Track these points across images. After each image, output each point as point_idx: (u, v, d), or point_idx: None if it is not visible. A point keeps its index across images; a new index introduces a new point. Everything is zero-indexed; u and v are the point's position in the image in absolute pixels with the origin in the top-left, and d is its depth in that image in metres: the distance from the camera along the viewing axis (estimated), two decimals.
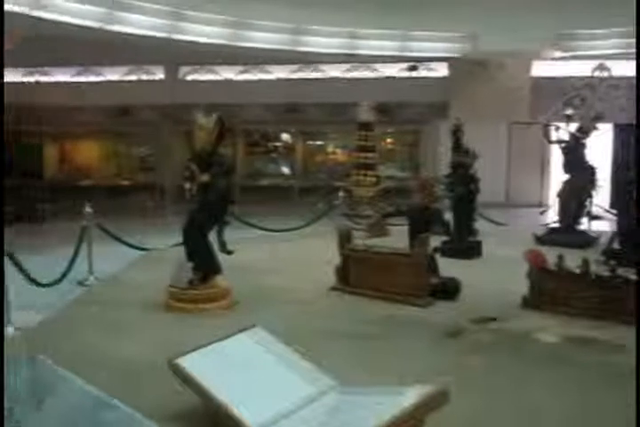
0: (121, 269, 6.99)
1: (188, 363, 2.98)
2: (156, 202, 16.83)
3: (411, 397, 2.78)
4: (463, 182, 8.03)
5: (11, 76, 16.10)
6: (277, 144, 18.25)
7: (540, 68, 15.09)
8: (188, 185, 4.80)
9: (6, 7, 10.94)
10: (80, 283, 6.98)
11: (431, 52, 14.83)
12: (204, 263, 4.83)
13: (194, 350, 3.11)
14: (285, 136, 18.25)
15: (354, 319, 4.85)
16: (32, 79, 18.21)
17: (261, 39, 13.44)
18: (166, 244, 8.45)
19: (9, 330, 5.26)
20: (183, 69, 17.79)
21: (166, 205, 16.78)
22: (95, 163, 18.49)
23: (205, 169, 4.65)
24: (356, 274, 5.52)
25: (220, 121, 4.74)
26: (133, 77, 18.03)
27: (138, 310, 4.90)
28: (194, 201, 4.78)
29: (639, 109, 7.53)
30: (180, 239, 8.08)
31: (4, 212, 9.12)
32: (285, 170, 17.95)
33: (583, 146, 8.93)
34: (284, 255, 7.58)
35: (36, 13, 11.07)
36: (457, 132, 8.62)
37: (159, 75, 17.96)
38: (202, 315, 4.69)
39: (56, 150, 18.67)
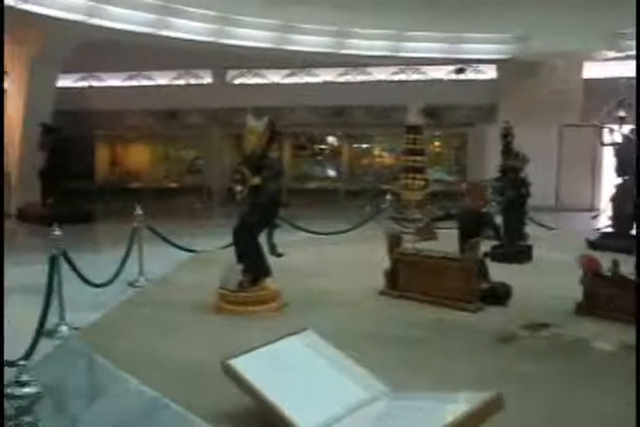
0: (171, 270, 7.09)
1: (241, 364, 3.00)
2: (203, 204, 17.06)
3: (464, 403, 2.74)
4: (513, 186, 7.92)
5: (65, 82, 16.53)
6: (323, 147, 18.31)
7: (593, 69, 14.78)
8: (238, 188, 4.84)
9: (64, 15, 11.33)
10: (131, 284, 7.12)
11: (480, 54, 14.67)
12: (254, 266, 4.86)
13: (246, 351, 3.13)
14: (331, 139, 18.28)
15: (403, 323, 4.82)
16: (85, 84, 18.65)
17: (308, 42, 13.50)
18: (214, 246, 8.55)
19: (63, 329, 5.40)
20: (231, 73, 17.98)
21: (213, 208, 17.00)
22: (145, 166, 18.84)
23: (256, 172, 4.68)
24: (406, 278, 5.49)
25: (271, 124, 4.77)
26: (182, 82, 18.31)
27: (188, 311, 4.96)
28: (244, 204, 4.82)
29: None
30: (229, 241, 8.20)
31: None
32: (331, 173, 17.98)
33: (637, 148, 8.69)
34: (332, 258, 7.58)
35: (92, 21, 11.34)
36: (507, 136, 8.49)
37: (207, 79, 18.20)
38: (251, 317, 4.71)
39: (107, 153, 19.09)
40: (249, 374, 2.94)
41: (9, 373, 3.96)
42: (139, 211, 7.44)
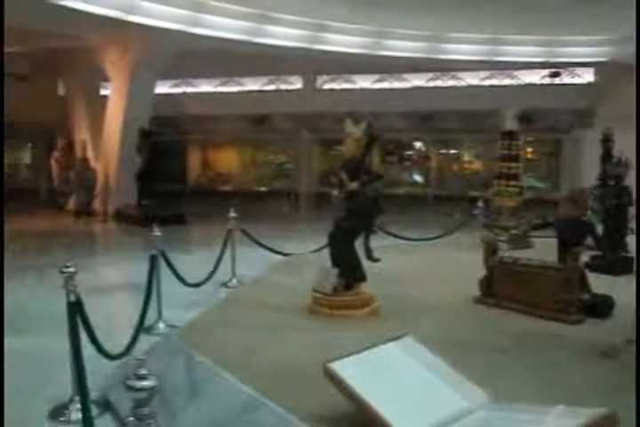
0: (263, 272, 7.20)
1: (341, 367, 3.01)
2: (291, 208, 17.28)
3: (572, 418, 2.64)
4: (614, 194, 7.60)
5: (160, 88, 17.13)
6: (411, 153, 18.19)
7: None
8: (335, 192, 4.87)
9: (167, 25, 11.77)
10: (224, 284, 7.31)
11: (577, 57, 14.20)
12: (349, 270, 4.87)
13: (346, 355, 3.13)
14: (419, 144, 18.14)
15: (499, 332, 4.70)
16: (179, 90, 19.27)
17: (400, 47, 13.46)
18: (305, 249, 8.66)
19: (160, 326, 5.58)
20: (321, 79, 18.13)
21: (301, 212, 17.20)
22: (235, 169, 19.26)
23: (354, 177, 4.69)
24: (502, 286, 5.36)
25: (370, 129, 4.77)
26: (272, 87, 18.61)
27: (283, 312, 5.02)
28: (341, 208, 4.84)
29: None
30: (318, 245, 8.28)
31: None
32: (418, 178, 17.84)
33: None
34: (424, 265, 7.50)
35: (192, 30, 11.71)
36: (607, 142, 8.18)
37: (297, 84, 18.42)
38: (345, 321, 4.72)
39: (199, 157, 19.66)
40: (349, 378, 2.94)
41: (107, 366, 4.16)
42: (233, 214, 7.60)
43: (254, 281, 6.81)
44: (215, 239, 10.85)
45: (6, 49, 16.26)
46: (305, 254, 8.23)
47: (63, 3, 10.25)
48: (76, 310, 3.73)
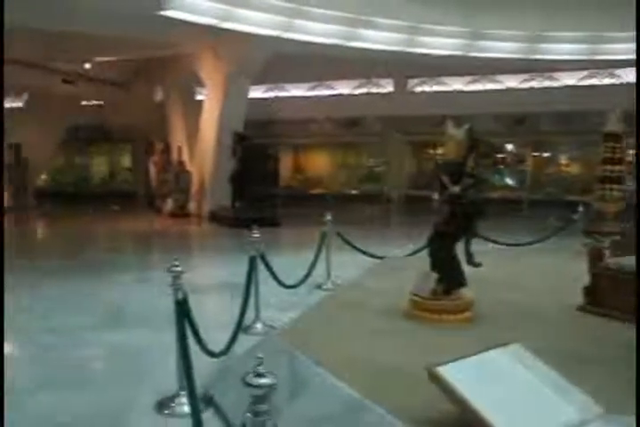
0: (359, 275, 7.22)
1: (448, 372, 2.97)
2: (382, 211, 17.26)
3: None
4: None
5: (253, 93, 17.51)
6: (503, 155, 17.80)
7: None
8: (436, 196, 4.82)
9: (261, 31, 12.02)
10: (318, 286, 7.38)
11: None
12: (448, 275, 4.81)
13: (452, 359, 3.10)
14: (511, 147, 17.72)
15: (606, 343, 4.51)
16: (272, 95, 19.63)
17: (495, 48, 13.17)
18: (399, 253, 8.63)
19: (258, 326, 5.69)
20: (412, 81, 18.04)
21: (392, 215, 17.15)
22: (326, 172, 19.43)
23: (456, 180, 4.64)
24: (608, 295, 5.14)
25: (471, 132, 4.70)
26: (363, 90, 18.66)
27: (380, 315, 5.01)
28: (441, 212, 4.79)
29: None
30: (413, 249, 8.23)
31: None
32: (510, 182, 17.42)
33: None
34: (524, 270, 7.31)
35: (286, 35, 11.89)
36: None
37: (388, 87, 18.39)
38: (444, 326, 4.66)
39: (290, 160, 19.96)
40: (456, 382, 2.91)
41: (206, 362, 4.28)
42: (328, 216, 7.66)
43: (350, 284, 6.83)
44: (308, 242, 11.00)
45: (107, 58, 17.14)
46: (399, 258, 8.20)
47: (164, 13, 10.64)
48: (183, 307, 3.86)
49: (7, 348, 5.54)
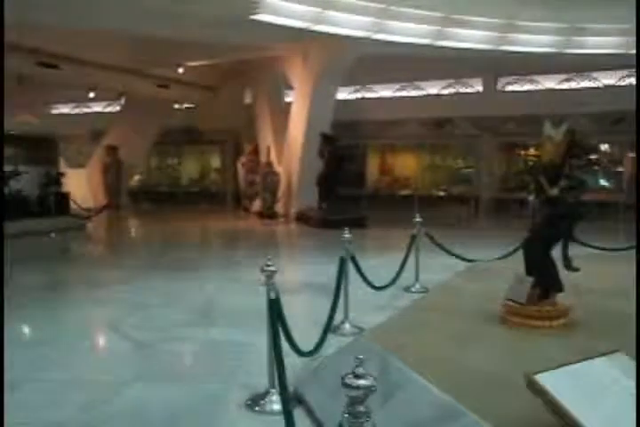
0: (448, 278, 7.11)
1: (547, 380, 2.87)
2: (470, 213, 16.95)
3: None
4: None
5: (341, 94, 17.58)
6: (597, 156, 17.11)
7: None
8: (531, 198, 4.69)
9: (350, 33, 12.06)
10: (406, 289, 7.32)
11: None
12: (545, 279, 4.65)
13: (552, 367, 2.99)
14: (606, 147, 17.02)
15: None
16: (359, 96, 19.65)
17: (592, 44, 12.68)
18: (488, 256, 8.44)
19: (346, 326, 5.69)
20: (502, 80, 17.63)
21: (482, 217, 16.82)
22: (412, 174, 19.26)
23: (554, 182, 4.49)
24: None
25: (570, 133, 4.54)
26: (451, 90, 18.39)
27: (472, 320, 4.91)
28: (537, 215, 4.64)
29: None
30: (503, 252, 8.04)
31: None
32: (605, 183, 16.73)
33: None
34: (623, 276, 6.98)
35: (375, 37, 11.89)
36: None
37: (477, 87, 18.05)
38: (540, 332, 4.51)
39: (377, 162, 19.91)
40: (557, 391, 2.81)
41: (294, 361, 4.31)
42: (417, 218, 7.59)
43: (440, 287, 6.74)
44: (395, 243, 10.92)
45: (199, 62, 17.63)
46: (490, 261, 8.03)
47: (256, 17, 10.85)
48: (275, 306, 3.91)
49: (102, 342, 5.79)
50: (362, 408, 2.03)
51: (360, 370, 2.02)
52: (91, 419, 3.71)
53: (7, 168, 14.26)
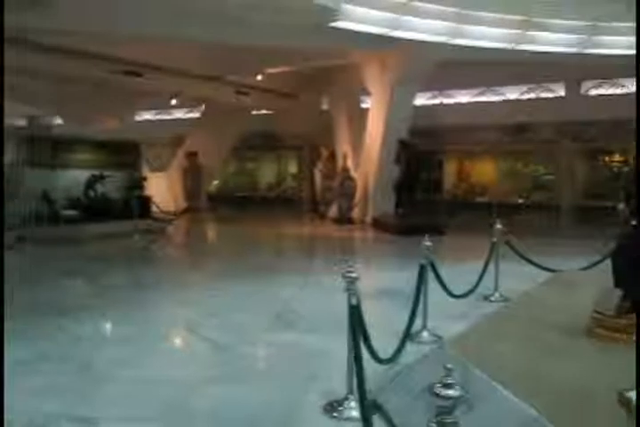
0: (530, 288, 6.94)
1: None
2: (551, 222, 16.48)
3: None
4: None
5: (418, 100, 17.46)
6: None
7: None
8: (621, 206, 4.52)
9: (429, 38, 11.98)
10: (486, 298, 7.16)
11: None
12: (634, 292, 4.48)
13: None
14: None
15: None
16: (436, 101, 19.46)
17: None
18: (571, 266, 8.19)
19: (424, 335, 5.61)
20: (586, 84, 17.09)
21: (563, 226, 16.31)
22: (491, 180, 18.90)
23: None
24: None
25: None
26: (532, 95, 17.97)
27: (557, 331, 4.77)
28: (627, 224, 4.47)
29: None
30: (587, 262, 7.78)
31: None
32: None
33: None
34: None
35: (454, 42, 11.76)
36: None
37: (559, 91, 17.56)
38: (627, 346, 4.34)
39: (454, 168, 19.64)
40: None
41: (376, 370, 4.28)
42: (498, 226, 7.43)
43: (520, 297, 6.59)
44: (473, 251, 10.73)
45: (278, 69, 17.89)
46: (574, 271, 7.78)
47: (335, 24, 10.91)
48: (356, 312, 3.90)
49: (182, 343, 5.92)
50: (450, 419, 2.01)
51: (449, 380, 2.00)
52: (174, 417, 3.80)
53: (93, 172, 14.86)
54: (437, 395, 1.98)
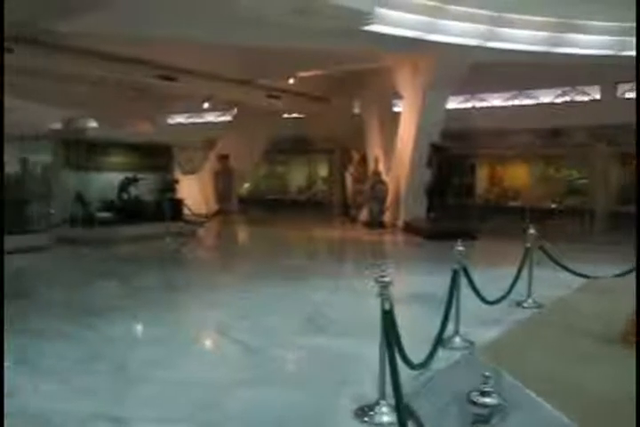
0: (564, 294, 6.83)
1: None
2: (585, 227, 16.23)
3: None
4: None
5: (450, 104, 17.34)
6: None
7: None
8: None
9: (463, 41, 11.90)
10: (518, 304, 7.08)
11: None
12: None
13: None
14: None
15: None
16: (468, 105, 19.31)
17: None
18: (606, 272, 8.06)
19: (457, 340, 5.56)
20: (622, 87, 16.81)
21: (597, 232, 16.04)
22: (524, 185, 18.69)
23: None
24: None
25: None
26: (566, 98, 17.73)
27: (592, 339, 4.68)
28: None
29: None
30: (620, 269, 7.64)
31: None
32: None
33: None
34: None
35: (488, 45, 11.66)
36: None
37: (595, 94, 17.30)
38: None
39: (486, 172, 19.45)
40: None
41: (407, 375, 4.25)
42: (532, 231, 7.34)
43: (554, 303, 6.48)
44: (505, 256, 10.62)
45: (309, 73, 17.93)
46: (608, 278, 7.65)
47: (368, 28, 10.90)
48: (389, 317, 3.88)
49: (213, 344, 5.95)
50: None
51: (486, 387, 1.97)
52: (205, 419, 3.82)
53: (127, 174, 15.04)
54: (474, 403, 1.95)
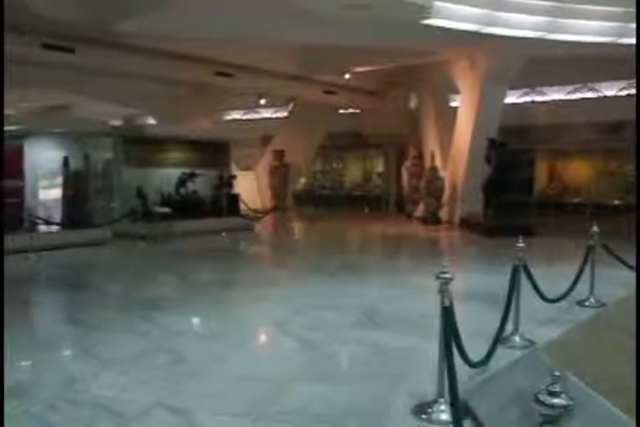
0: (628, 293, 6.60)
1: None
2: None
3: None
4: None
5: (508, 98, 17.01)
6: None
7: None
8: None
9: (523, 34, 11.63)
10: (579, 303, 6.90)
11: None
12: None
13: None
14: None
15: None
16: (527, 99, 18.92)
17: None
18: None
19: (516, 339, 5.45)
20: None
21: None
22: (584, 181, 18.22)
23: None
24: None
25: None
26: (631, 91, 17.19)
27: None
28: None
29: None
30: None
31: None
32: None
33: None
34: None
35: (550, 37, 11.38)
36: None
37: None
38: None
39: (545, 168, 19.05)
40: None
41: (466, 373, 4.18)
42: (595, 228, 7.14)
43: (617, 302, 6.28)
44: (565, 253, 10.38)
45: (365, 68, 17.84)
46: None
47: (427, 22, 10.77)
48: (449, 314, 3.84)
49: (270, 340, 5.98)
50: None
51: (556, 388, 1.92)
52: (263, 413, 3.85)
53: (184, 170, 15.28)
54: (543, 403, 1.90)
